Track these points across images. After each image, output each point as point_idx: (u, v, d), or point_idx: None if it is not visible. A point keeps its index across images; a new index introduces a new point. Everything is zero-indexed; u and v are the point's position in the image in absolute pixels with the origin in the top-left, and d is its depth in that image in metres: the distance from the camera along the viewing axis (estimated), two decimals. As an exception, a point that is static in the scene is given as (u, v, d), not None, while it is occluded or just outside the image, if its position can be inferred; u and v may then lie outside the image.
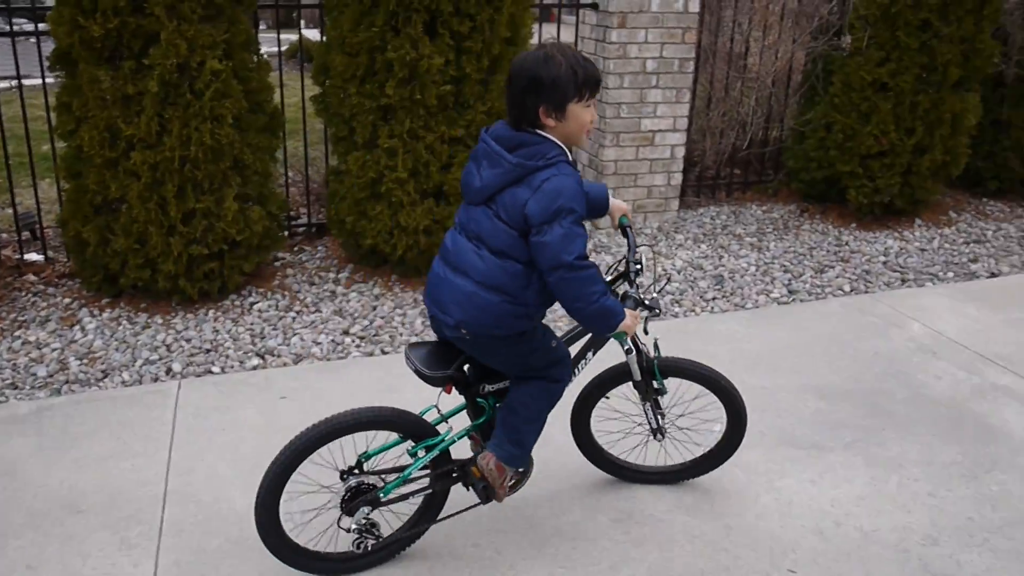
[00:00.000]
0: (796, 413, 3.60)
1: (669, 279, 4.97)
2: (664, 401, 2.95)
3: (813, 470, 3.21)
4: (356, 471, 2.53)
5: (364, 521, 2.53)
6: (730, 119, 6.33)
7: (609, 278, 2.66)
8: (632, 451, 3.14)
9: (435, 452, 2.56)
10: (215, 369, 3.89)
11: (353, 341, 4.17)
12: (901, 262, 5.45)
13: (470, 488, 2.64)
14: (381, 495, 2.52)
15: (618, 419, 3.14)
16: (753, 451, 2.98)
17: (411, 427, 2.55)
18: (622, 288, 2.64)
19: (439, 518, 2.70)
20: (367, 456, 2.57)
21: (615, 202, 2.71)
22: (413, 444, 2.58)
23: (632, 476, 3.11)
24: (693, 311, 4.63)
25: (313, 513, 2.74)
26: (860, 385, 3.85)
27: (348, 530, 2.54)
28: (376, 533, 2.56)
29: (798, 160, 6.25)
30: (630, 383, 2.85)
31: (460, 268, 2.36)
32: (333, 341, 4.16)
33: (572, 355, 2.67)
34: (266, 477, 2.42)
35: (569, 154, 2.32)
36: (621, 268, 2.66)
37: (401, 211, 4.53)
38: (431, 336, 4.11)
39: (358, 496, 2.52)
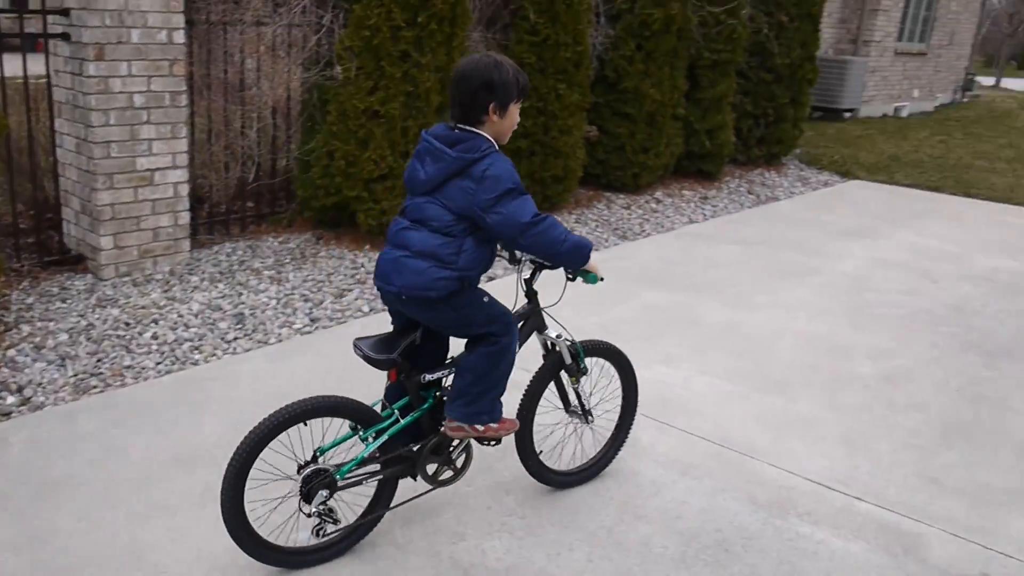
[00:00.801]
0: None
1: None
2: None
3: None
4: (312, 464, 2.75)
5: (322, 506, 2.75)
6: (234, 152, 6.20)
7: (527, 274, 3.13)
8: (563, 455, 3.52)
9: (385, 437, 2.84)
10: None
11: None
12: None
13: (417, 478, 2.99)
14: (337, 476, 2.76)
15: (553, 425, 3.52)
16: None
17: (363, 415, 2.81)
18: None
19: (392, 505, 2.98)
20: (322, 451, 2.80)
21: None
22: (364, 430, 2.82)
23: (568, 481, 3.43)
24: (214, 355, 4.41)
25: (275, 508, 2.90)
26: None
27: (308, 515, 2.75)
28: (334, 518, 2.79)
29: (307, 189, 6.34)
30: (561, 372, 3.26)
31: (400, 244, 2.74)
32: None
33: None
34: (228, 470, 2.57)
35: (496, 146, 2.71)
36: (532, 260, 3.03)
37: None
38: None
39: (314, 480, 2.72)
